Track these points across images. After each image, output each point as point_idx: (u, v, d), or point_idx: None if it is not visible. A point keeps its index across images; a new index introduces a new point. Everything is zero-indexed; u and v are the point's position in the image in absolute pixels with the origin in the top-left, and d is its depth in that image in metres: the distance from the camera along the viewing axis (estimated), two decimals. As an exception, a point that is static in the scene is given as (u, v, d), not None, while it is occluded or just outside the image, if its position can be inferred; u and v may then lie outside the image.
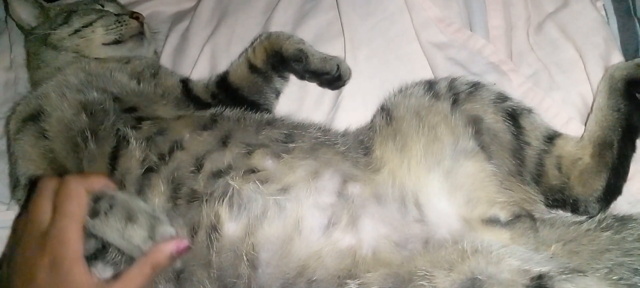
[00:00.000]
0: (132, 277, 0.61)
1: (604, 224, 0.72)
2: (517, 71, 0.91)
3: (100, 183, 0.67)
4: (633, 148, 0.77)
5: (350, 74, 0.95)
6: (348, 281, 0.66)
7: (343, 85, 0.95)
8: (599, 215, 0.73)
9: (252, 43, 0.97)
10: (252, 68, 0.96)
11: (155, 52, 1.09)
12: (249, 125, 0.81)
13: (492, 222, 0.75)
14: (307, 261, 0.68)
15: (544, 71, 0.91)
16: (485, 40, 0.95)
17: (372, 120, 0.85)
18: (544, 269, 0.62)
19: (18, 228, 0.67)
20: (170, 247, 0.63)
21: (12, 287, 0.62)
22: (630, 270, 0.68)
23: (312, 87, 0.98)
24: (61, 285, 0.59)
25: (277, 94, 0.98)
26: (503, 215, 0.75)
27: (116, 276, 0.63)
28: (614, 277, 0.61)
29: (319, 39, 1.02)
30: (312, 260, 0.68)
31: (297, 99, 0.99)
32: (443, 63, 0.94)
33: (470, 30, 0.95)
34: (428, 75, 0.94)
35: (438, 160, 0.77)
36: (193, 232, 0.71)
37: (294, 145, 0.79)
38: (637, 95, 0.76)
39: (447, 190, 0.76)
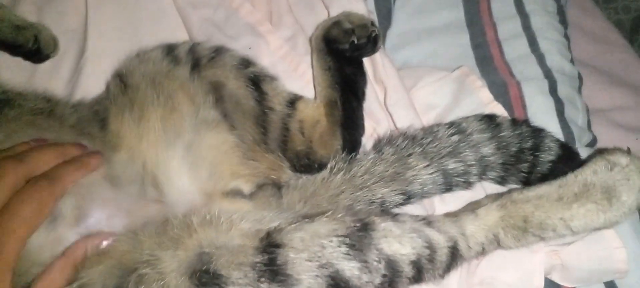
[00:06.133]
0: (51, 280, 0.59)
1: (335, 168, 0.78)
2: (275, 33, 0.93)
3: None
4: (357, 100, 0.84)
5: (55, 45, 0.89)
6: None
7: (46, 58, 0.89)
8: (331, 162, 0.78)
9: None
10: None
11: None
12: None
13: (234, 194, 0.77)
14: (29, 268, 0.62)
15: (301, 33, 0.93)
16: (243, -1, 0.94)
17: (107, 89, 0.81)
18: (273, 225, 0.63)
19: None
20: (92, 243, 0.62)
21: None
22: (366, 202, 0.75)
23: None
24: None
25: None
26: (246, 188, 0.78)
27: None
28: (340, 215, 0.63)
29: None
30: (33, 268, 0.62)
31: (28, 65, 0.89)
32: (198, 24, 0.93)
33: (228, -12, 0.94)
34: (183, 36, 0.91)
35: (178, 133, 0.77)
36: None
37: (6, 117, 0.70)
38: (338, 49, 0.82)
39: (189, 165, 0.76)
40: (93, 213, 0.68)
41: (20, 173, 0.61)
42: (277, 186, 0.79)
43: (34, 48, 0.85)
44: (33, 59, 0.87)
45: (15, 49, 0.85)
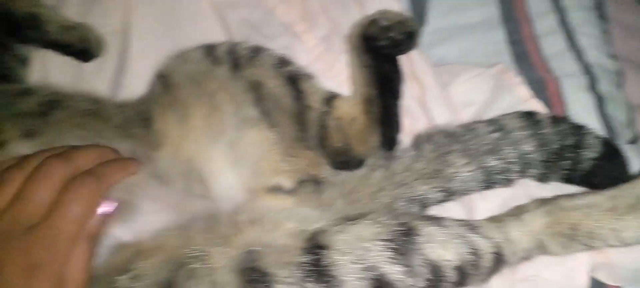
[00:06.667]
0: (76, 259, 0.59)
1: (374, 165, 0.79)
2: (310, 33, 0.94)
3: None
4: (395, 97, 0.84)
5: (101, 45, 0.92)
6: (117, 278, 0.62)
7: (93, 58, 0.92)
8: (369, 159, 0.80)
9: None
10: None
11: None
12: None
13: (276, 190, 0.79)
14: None
15: (336, 33, 0.95)
16: (279, -1, 0.96)
17: (150, 88, 0.83)
18: (318, 226, 0.64)
19: None
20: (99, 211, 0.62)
21: None
22: (406, 199, 0.76)
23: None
24: None
25: (23, 61, 0.91)
26: (287, 183, 0.80)
27: None
28: (383, 218, 0.64)
29: (98, -6, 0.94)
30: None
31: (74, 66, 0.93)
32: (235, 24, 0.95)
33: (264, -12, 0.96)
34: (221, 36, 0.94)
35: (220, 131, 0.79)
36: None
37: (56, 119, 0.73)
38: (376, 46, 0.83)
39: (231, 162, 0.78)
40: (142, 209, 0.70)
41: (68, 172, 0.62)
42: (317, 182, 0.80)
43: (82, 48, 0.88)
44: (81, 58, 0.90)
45: (64, 49, 0.88)
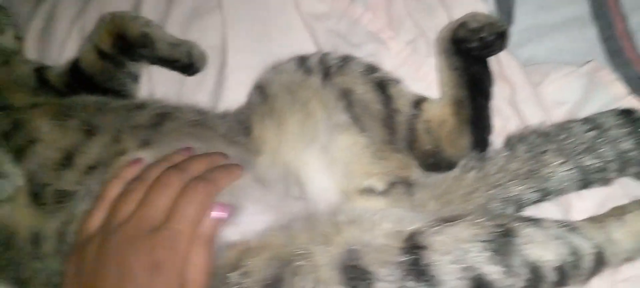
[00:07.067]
0: (194, 263, 0.64)
1: (467, 167, 0.80)
2: (396, 38, 0.97)
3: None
4: (485, 98, 0.85)
5: (204, 59, 0.99)
6: (229, 274, 0.67)
7: (197, 71, 0.98)
8: (462, 161, 0.81)
9: (97, 25, 0.97)
10: (101, 53, 0.95)
11: (18, 37, 1.04)
12: (114, 111, 0.82)
13: (368, 192, 0.82)
14: None
15: (421, 37, 0.97)
16: (365, 7, 0.99)
17: (248, 99, 0.89)
18: (414, 226, 0.65)
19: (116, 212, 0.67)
20: (211, 216, 0.67)
21: (99, 275, 0.63)
22: (501, 200, 0.77)
23: (191, 65, 0.99)
24: None
25: (135, 78, 1.00)
26: (379, 185, 0.82)
27: None
28: (480, 219, 0.64)
29: (196, 13, 1.04)
30: None
31: (177, 80, 1.01)
32: (324, 35, 0.99)
33: (350, -3, 1.00)
34: (311, 47, 0.98)
35: (314, 136, 0.83)
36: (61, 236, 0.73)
37: (168, 129, 0.80)
38: (467, 48, 0.84)
39: (325, 165, 0.82)
40: (247, 210, 0.75)
41: (183, 181, 0.69)
42: (408, 184, 0.82)
43: (188, 62, 0.95)
44: (186, 72, 0.98)
45: (171, 64, 0.96)
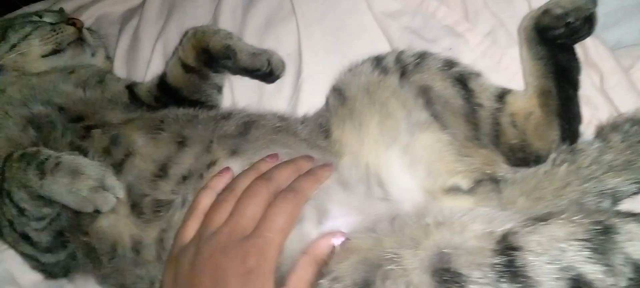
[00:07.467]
0: (300, 277, 0.66)
1: (558, 160, 0.77)
2: (473, 30, 0.95)
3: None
4: (573, 88, 0.82)
5: (283, 66, 1.01)
6: (321, 281, 0.67)
7: (277, 78, 1.01)
8: (552, 154, 0.78)
9: (181, 41, 1.01)
10: (186, 67, 1.00)
11: (109, 58, 1.11)
12: (203, 122, 0.87)
13: (454, 190, 0.81)
14: (281, 264, 0.71)
15: (500, 27, 0.94)
16: (439, 1, 0.97)
17: (326, 102, 0.90)
18: (506, 227, 0.63)
19: (209, 222, 0.71)
20: (330, 241, 0.68)
21: (195, 282, 0.67)
22: (595, 194, 0.74)
23: (269, 74, 1.02)
24: None
25: (219, 89, 1.04)
26: (464, 183, 0.81)
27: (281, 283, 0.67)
28: (577, 217, 0.61)
29: (271, 21, 1.06)
30: (285, 262, 0.70)
31: (256, 88, 1.04)
32: (398, 33, 0.98)
33: (423, -8, 0.99)
34: (385, 46, 0.98)
35: (394, 136, 0.83)
36: (161, 243, 0.78)
37: (254, 137, 0.83)
38: (552, 35, 0.81)
39: (407, 165, 0.82)
40: (332, 214, 0.76)
41: (271, 190, 0.71)
42: (495, 181, 0.81)
43: (268, 70, 0.98)
44: (266, 80, 1.01)
45: (252, 73, 1.00)
